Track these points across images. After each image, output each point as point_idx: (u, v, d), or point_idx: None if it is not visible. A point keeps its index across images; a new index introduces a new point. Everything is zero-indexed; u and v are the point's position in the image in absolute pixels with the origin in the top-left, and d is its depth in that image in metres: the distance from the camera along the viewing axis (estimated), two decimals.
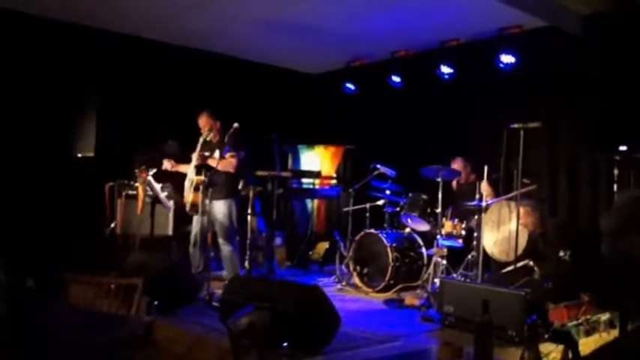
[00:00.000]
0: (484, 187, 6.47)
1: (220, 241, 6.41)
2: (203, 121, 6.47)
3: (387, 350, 4.40)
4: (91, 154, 7.37)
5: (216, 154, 6.29)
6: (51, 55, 7.34)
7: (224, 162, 6.21)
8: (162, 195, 6.76)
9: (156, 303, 5.09)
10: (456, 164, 7.16)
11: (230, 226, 6.42)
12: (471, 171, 7.15)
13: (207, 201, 6.08)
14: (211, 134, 6.41)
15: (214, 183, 6.10)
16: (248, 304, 4.18)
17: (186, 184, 6.41)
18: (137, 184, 6.64)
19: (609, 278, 1.44)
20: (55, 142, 7.37)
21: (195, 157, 6.38)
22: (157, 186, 6.67)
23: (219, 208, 6.35)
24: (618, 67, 4.45)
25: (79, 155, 7.45)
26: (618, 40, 4.44)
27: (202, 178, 6.14)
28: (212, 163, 6.22)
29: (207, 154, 6.36)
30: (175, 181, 6.93)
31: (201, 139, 6.45)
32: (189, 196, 6.29)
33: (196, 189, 6.18)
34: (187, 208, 6.34)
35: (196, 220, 6.37)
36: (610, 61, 4.72)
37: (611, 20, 4.70)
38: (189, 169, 6.43)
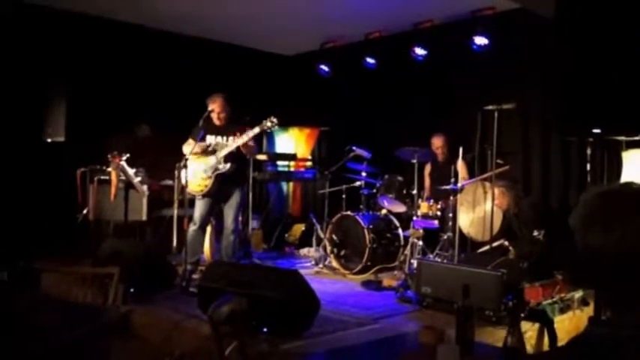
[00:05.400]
0: (460, 166, 6.52)
1: (230, 228, 6.32)
2: (219, 105, 6.17)
3: (367, 333, 4.40)
4: (62, 139, 7.22)
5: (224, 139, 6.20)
6: (19, 38, 7.14)
7: (248, 147, 6.15)
8: (136, 180, 6.66)
9: (132, 290, 5.05)
10: (438, 140, 7.17)
11: (239, 214, 6.41)
12: (449, 150, 7.16)
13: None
14: (220, 119, 6.21)
15: (235, 169, 6.13)
16: (227, 290, 4.15)
17: (200, 167, 6.17)
18: (110, 169, 6.53)
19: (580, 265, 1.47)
20: (24, 128, 7.20)
21: (214, 141, 6.20)
22: (131, 171, 6.57)
23: (236, 195, 6.30)
24: (590, 49, 4.48)
25: (50, 140, 7.31)
26: (590, 23, 4.46)
27: (228, 165, 6.10)
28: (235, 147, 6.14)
29: (229, 138, 6.19)
30: (148, 165, 6.85)
31: (201, 123, 6.16)
32: (205, 180, 6.14)
33: (219, 175, 6.10)
34: (200, 193, 6.17)
35: (204, 202, 6.25)
36: (581, 44, 4.75)
37: (583, 2, 4.71)
38: (202, 153, 6.20)
